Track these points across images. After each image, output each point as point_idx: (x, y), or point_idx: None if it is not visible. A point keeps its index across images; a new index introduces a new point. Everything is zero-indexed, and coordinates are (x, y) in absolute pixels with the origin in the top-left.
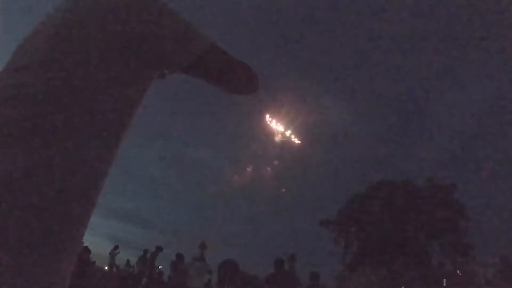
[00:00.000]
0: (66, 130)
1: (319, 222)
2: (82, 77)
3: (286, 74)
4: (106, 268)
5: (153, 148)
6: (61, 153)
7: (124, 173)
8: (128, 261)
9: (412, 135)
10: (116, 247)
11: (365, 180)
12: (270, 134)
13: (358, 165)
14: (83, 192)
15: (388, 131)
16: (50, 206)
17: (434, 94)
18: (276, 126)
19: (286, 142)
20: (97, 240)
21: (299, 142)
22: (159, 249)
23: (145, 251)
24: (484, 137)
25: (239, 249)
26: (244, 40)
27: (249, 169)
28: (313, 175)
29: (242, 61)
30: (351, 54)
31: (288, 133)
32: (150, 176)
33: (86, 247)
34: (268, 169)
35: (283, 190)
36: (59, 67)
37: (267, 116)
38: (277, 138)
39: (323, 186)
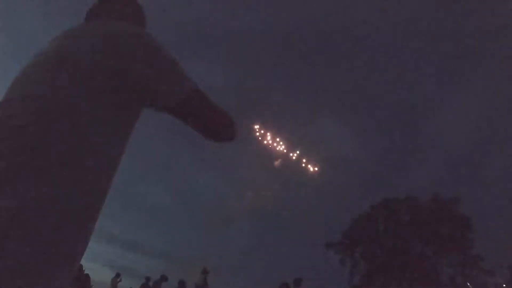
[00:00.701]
0: (58, 165)
1: (324, 244)
2: (72, 110)
3: (287, 98)
4: None
5: (153, 175)
6: (54, 189)
7: (125, 201)
8: None
9: (413, 151)
10: (117, 275)
11: (368, 200)
12: (271, 158)
13: (361, 185)
14: (76, 228)
15: (389, 149)
16: (44, 243)
17: (432, 110)
18: (277, 150)
19: (287, 166)
20: (98, 267)
21: (302, 166)
22: (163, 278)
23: (147, 279)
24: (485, 148)
25: (243, 274)
26: (244, 64)
27: (251, 193)
28: (316, 197)
29: (223, 108)
30: (350, 76)
31: (290, 157)
32: (151, 203)
33: (87, 274)
34: (270, 193)
35: (284, 213)
36: (50, 101)
37: (268, 140)
38: (278, 163)
39: (326, 207)
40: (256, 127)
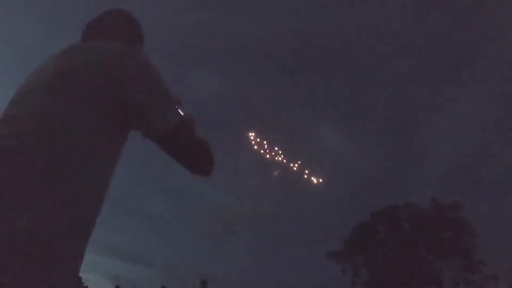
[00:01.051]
0: (64, 181)
1: (325, 254)
2: (73, 130)
3: (284, 105)
4: None
5: (152, 186)
6: (60, 205)
7: (123, 211)
8: None
9: (411, 157)
10: (117, 287)
11: (369, 207)
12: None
13: (360, 193)
14: (77, 240)
15: (388, 156)
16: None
17: (431, 115)
18: (276, 158)
19: (286, 175)
20: (97, 278)
21: (300, 174)
22: None
23: None
24: (485, 153)
25: (243, 285)
26: (242, 72)
27: (250, 202)
28: (315, 206)
29: (206, 143)
30: (349, 83)
31: (290, 167)
32: (150, 213)
33: (87, 287)
34: (270, 202)
35: (284, 222)
36: (52, 120)
37: (266, 149)
38: (277, 172)
39: (326, 216)
40: (252, 134)
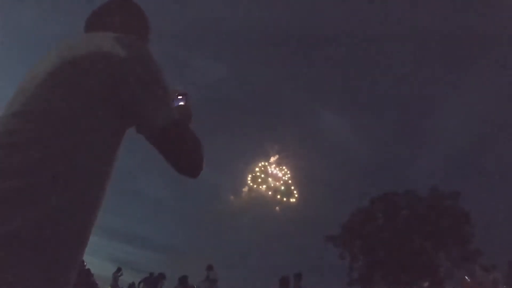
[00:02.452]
0: (61, 180)
1: (323, 238)
2: (69, 127)
3: (285, 90)
4: None
5: (156, 169)
6: (58, 204)
7: (126, 195)
8: (131, 284)
9: (412, 145)
10: (118, 269)
11: (367, 193)
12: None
13: (360, 178)
14: (77, 237)
15: (387, 141)
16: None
17: (434, 103)
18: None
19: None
20: (99, 262)
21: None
22: (162, 276)
23: (151, 274)
24: (486, 143)
25: (244, 269)
26: (248, 58)
27: (249, 188)
28: (315, 191)
29: (199, 144)
30: (351, 70)
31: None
32: (153, 197)
33: (88, 269)
34: (268, 187)
35: (277, 208)
36: (48, 118)
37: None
38: (275, 157)
39: (325, 201)
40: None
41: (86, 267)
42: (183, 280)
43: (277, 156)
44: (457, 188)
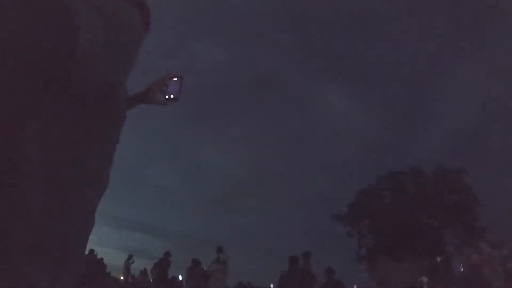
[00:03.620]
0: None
1: (331, 216)
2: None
3: (288, 72)
4: (122, 278)
5: (160, 157)
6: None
7: (134, 183)
8: (143, 271)
9: (418, 124)
10: (130, 257)
11: (374, 172)
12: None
13: (366, 157)
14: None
15: (393, 120)
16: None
17: (440, 81)
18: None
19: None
20: (110, 251)
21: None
22: (167, 255)
23: (161, 259)
24: (492, 121)
25: (253, 248)
26: (245, 42)
27: (258, 168)
28: (322, 170)
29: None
30: (352, 44)
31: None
32: (162, 186)
33: (102, 258)
34: (278, 167)
35: (292, 187)
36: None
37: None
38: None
39: (333, 180)
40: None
41: (99, 257)
42: (196, 261)
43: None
44: (463, 166)
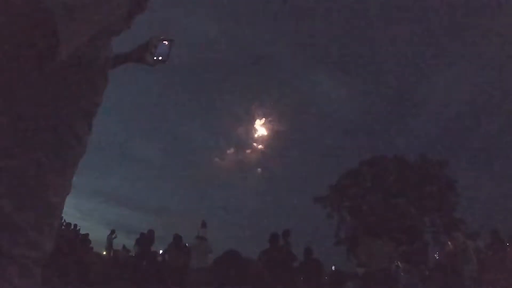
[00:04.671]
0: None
1: (312, 198)
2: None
3: (278, 52)
4: (104, 253)
5: (145, 131)
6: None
7: (116, 157)
8: (125, 246)
9: (404, 110)
10: (112, 232)
11: (357, 156)
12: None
13: (350, 140)
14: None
15: (380, 106)
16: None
17: (428, 70)
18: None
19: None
20: (93, 225)
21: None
22: (151, 232)
23: (142, 234)
24: (476, 113)
25: (234, 226)
26: (239, 16)
27: (240, 146)
28: (304, 152)
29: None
30: (342, 27)
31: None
32: (144, 159)
33: (87, 234)
34: (259, 147)
35: (259, 169)
36: None
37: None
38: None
39: (315, 162)
40: None
41: (83, 233)
42: (177, 238)
43: (263, 119)
44: (446, 158)
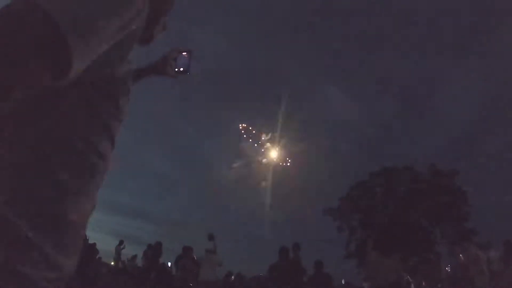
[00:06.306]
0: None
1: (322, 210)
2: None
3: (287, 64)
4: (112, 263)
5: (155, 144)
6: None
7: (127, 170)
8: (133, 256)
9: (414, 121)
10: (121, 242)
11: (367, 167)
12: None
13: (360, 152)
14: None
15: (390, 118)
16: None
17: (437, 81)
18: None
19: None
20: (102, 236)
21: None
22: (159, 244)
23: (149, 246)
24: (486, 123)
25: (244, 239)
26: (248, 30)
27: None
28: (315, 164)
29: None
30: (352, 39)
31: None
32: (154, 171)
33: (94, 243)
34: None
35: (263, 183)
36: None
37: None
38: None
39: (325, 174)
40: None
41: (90, 242)
42: (187, 250)
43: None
44: (456, 168)
